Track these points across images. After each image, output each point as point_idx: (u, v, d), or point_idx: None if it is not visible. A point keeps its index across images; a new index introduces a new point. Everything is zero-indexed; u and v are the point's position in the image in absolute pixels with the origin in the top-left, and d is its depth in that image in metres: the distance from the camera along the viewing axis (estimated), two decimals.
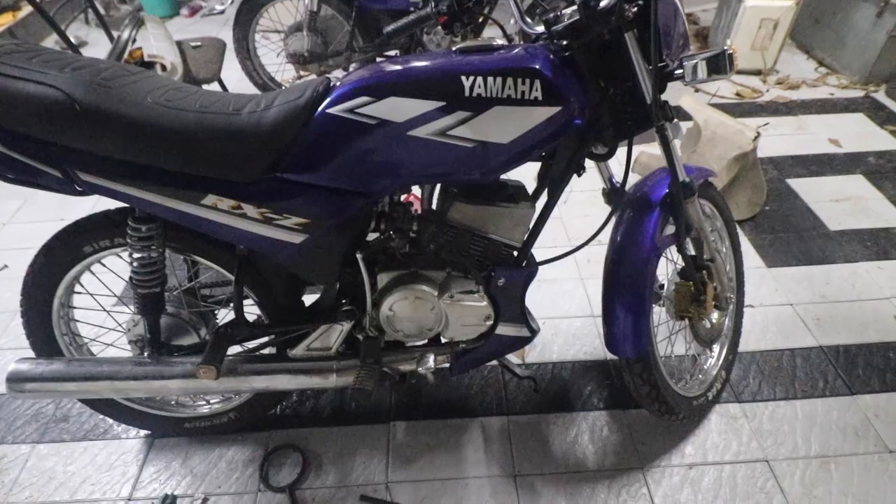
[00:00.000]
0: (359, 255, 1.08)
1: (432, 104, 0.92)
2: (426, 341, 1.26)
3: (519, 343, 1.27)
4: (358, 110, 0.92)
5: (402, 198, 1.22)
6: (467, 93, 0.92)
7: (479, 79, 0.92)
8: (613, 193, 1.29)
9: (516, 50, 0.95)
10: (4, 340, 1.75)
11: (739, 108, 2.89)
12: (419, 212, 1.19)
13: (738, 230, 2.08)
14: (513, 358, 1.65)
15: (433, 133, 0.94)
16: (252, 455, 1.43)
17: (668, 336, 1.53)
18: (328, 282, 1.12)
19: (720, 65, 0.96)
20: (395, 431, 1.48)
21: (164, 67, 1.78)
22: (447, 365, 1.22)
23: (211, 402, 1.42)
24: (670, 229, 1.24)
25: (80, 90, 0.88)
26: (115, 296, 1.37)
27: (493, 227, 1.11)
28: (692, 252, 1.29)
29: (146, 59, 1.77)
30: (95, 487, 1.37)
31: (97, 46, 3.96)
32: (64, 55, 0.96)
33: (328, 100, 0.94)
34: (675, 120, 1.08)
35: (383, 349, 1.21)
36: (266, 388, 1.18)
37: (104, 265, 1.26)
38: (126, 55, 1.74)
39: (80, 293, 1.26)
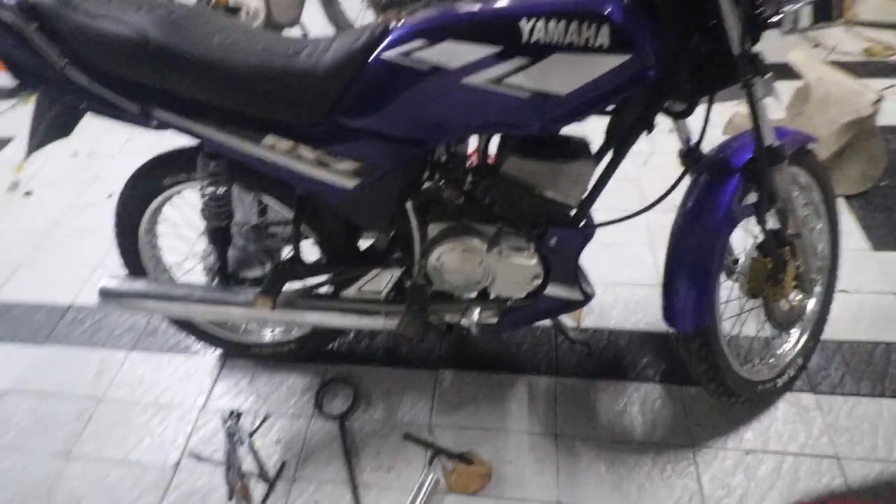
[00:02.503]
0: (409, 204, 1.08)
1: (488, 49, 0.88)
2: (474, 295, 1.26)
3: (570, 306, 1.23)
4: (412, 55, 0.90)
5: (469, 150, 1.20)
6: (526, 38, 0.87)
7: (540, 22, 0.86)
8: (690, 155, 1.18)
9: None
10: (111, 259, 1.98)
11: (865, 68, 2.51)
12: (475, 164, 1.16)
13: (844, 206, 1.86)
14: (567, 320, 1.61)
15: (488, 81, 0.90)
16: (309, 384, 1.53)
17: (738, 314, 1.42)
18: (379, 228, 1.14)
19: (829, 9, 0.83)
20: (443, 379, 1.51)
21: (247, 13, 1.85)
22: (494, 320, 1.21)
23: (273, 331, 1.53)
24: (753, 198, 1.12)
25: (152, 30, 0.94)
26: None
27: (548, 185, 1.07)
28: (774, 226, 1.16)
29: (231, 4, 1.84)
30: (176, 395, 1.54)
31: None
32: None
33: (383, 44, 0.93)
34: (769, 75, 0.96)
35: (431, 298, 1.22)
36: (317, 323, 1.25)
37: (184, 199, 1.37)
38: (213, 1, 1.82)
39: (165, 221, 1.39)
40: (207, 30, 0.99)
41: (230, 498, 1.31)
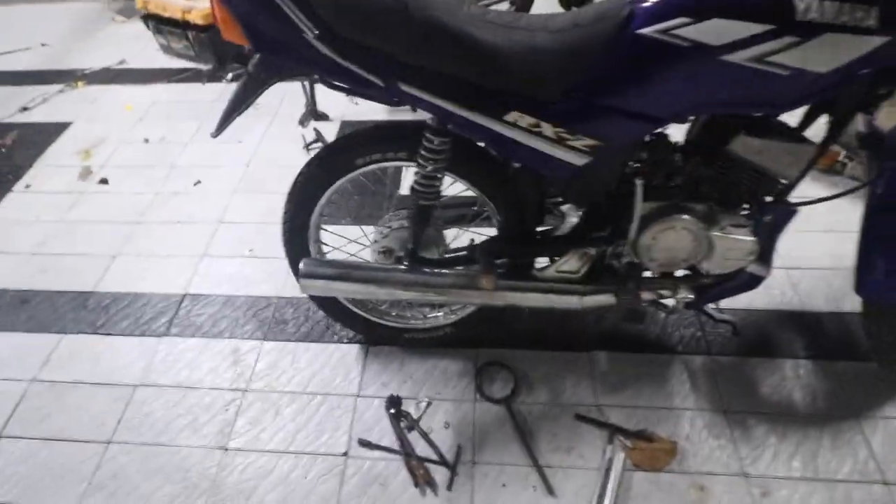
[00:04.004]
0: (638, 182, 1.09)
1: (759, 27, 0.89)
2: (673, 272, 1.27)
3: (754, 283, 1.26)
4: (674, 31, 0.91)
5: None
6: (800, 16, 0.89)
7: (816, 2, 0.88)
8: (871, 136, 1.22)
9: None
10: (215, 247, 1.91)
11: None
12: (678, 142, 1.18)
13: None
14: None
15: (750, 59, 0.91)
16: (463, 369, 1.52)
17: None
18: (592, 205, 1.14)
19: None
20: (598, 360, 1.53)
21: None
22: (692, 297, 1.23)
23: (428, 315, 1.51)
24: None
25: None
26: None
27: (773, 163, 1.09)
28: None
29: None
30: (325, 382, 1.51)
31: None
32: None
33: (638, 19, 0.92)
34: None
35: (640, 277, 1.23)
36: (518, 303, 1.24)
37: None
38: None
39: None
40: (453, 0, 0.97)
41: (416, 485, 1.29)
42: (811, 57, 0.91)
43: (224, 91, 2.73)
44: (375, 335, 1.55)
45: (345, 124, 2.45)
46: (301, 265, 1.22)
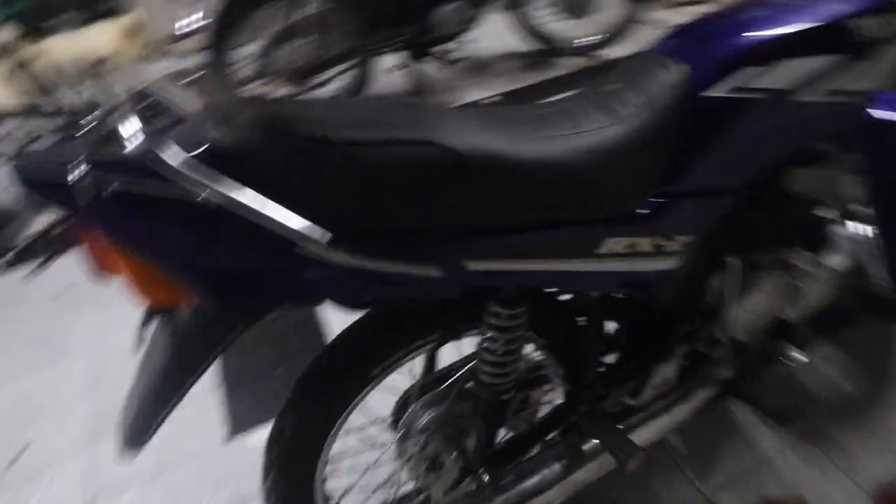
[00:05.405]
0: (732, 260, 0.93)
1: (826, 58, 0.78)
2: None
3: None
4: (745, 85, 0.77)
5: None
6: (857, 38, 0.79)
7: (868, 20, 0.79)
8: None
9: None
10: None
11: None
12: None
13: None
14: None
15: (822, 93, 0.80)
16: None
17: None
18: (680, 304, 0.96)
19: None
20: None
21: None
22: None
23: None
24: None
25: (447, 135, 0.64)
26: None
27: (824, 192, 0.97)
28: None
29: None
30: None
31: None
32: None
33: (694, 80, 0.76)
34: None
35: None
36: (657, 437, 1.08)
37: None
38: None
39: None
40: (500, 120, 0.73)
41: None
42: (877, 76, 0.82)
43: None
44: None
45: None
46: None
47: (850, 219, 1.04)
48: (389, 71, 3.13)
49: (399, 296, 0.69)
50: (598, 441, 0.99)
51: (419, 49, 2.89)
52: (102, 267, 0.65)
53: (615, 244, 0.77)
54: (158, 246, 0.57)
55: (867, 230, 1.04)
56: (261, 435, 1.48)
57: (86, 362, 1.80)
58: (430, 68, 3.14)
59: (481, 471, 0.96)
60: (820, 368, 1.41)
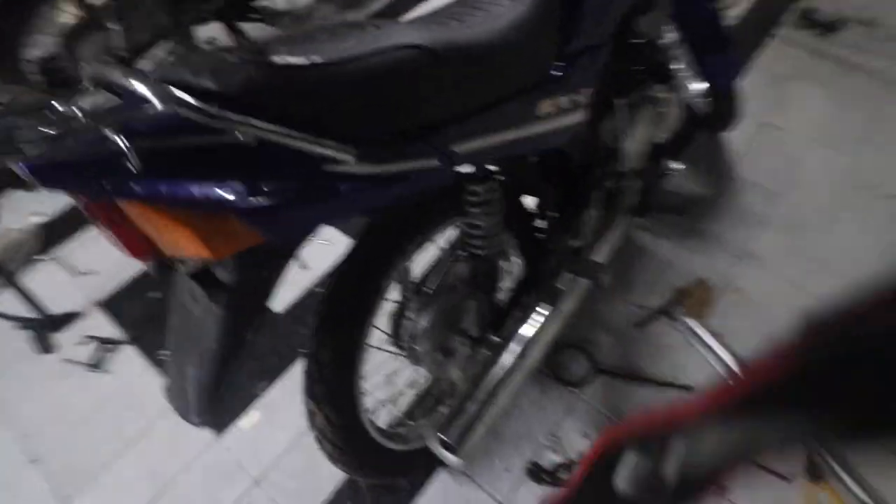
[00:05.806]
0: (621, 102, 1.18)
1: None
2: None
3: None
4: None
5: None
6: None
7: None
8: None
9: None
10: None
11: None
12: None
13: None
14: None
15: None
16: None
17: None
18: (590, 150, 1.20)
19: None
20: None
21: None
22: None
23: None
24: None
25: (419, 36, 0.73)
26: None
27: (662, 31, 1.26)
28: None
29: None
30: None
31: None
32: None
33: None
34: None
35: None
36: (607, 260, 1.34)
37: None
38: None
39: None
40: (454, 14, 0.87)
41: None
42: None
43: None
44: None
45: None
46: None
47: (677, 51, 1.34)
48: (211, 40, 2.93)
49: (408, 194, 0.78)
50: (571, 274, 1.21)
51: (237, 11, 2.74)
52: (133, 250, 0.66)
53: (546, 105, 0.95)
54: (212, 193, 0.60)
55: (690, 58, 1.35)
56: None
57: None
58: (253, 29, 3.00)
59: (489, 335, 1.15)
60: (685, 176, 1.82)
